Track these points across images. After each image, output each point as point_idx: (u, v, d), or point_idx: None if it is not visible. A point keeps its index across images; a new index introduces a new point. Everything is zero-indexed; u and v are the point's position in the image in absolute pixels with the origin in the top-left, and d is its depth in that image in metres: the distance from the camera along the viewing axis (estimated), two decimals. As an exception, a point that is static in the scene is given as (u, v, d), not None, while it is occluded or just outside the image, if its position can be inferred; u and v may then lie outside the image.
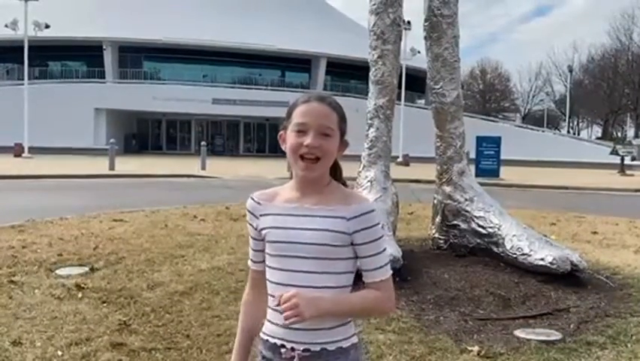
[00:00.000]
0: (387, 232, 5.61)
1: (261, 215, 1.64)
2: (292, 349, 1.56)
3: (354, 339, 1.64)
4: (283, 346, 1.57)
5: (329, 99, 1.64)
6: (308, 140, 1.54)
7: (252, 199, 1.68)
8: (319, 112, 1.58)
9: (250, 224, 1.69)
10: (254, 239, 1.70)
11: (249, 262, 1.75)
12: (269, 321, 1.64)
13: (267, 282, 1.63)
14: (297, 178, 1.62)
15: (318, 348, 1.56)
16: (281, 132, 1.64)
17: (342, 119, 1.63)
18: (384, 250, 1.62)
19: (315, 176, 1.58)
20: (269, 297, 1.63)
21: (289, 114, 1.62)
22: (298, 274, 1.56)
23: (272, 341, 1.60)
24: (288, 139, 1.59)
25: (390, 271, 1.64)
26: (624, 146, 32.86)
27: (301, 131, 1.56)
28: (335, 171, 1.67)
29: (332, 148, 1.58)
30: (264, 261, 1.68)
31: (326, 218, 1.57)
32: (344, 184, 1.69)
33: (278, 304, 1.50)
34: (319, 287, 1.55)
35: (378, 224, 1.60)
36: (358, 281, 1.64)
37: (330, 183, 1.64)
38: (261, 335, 1.65)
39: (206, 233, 7.71)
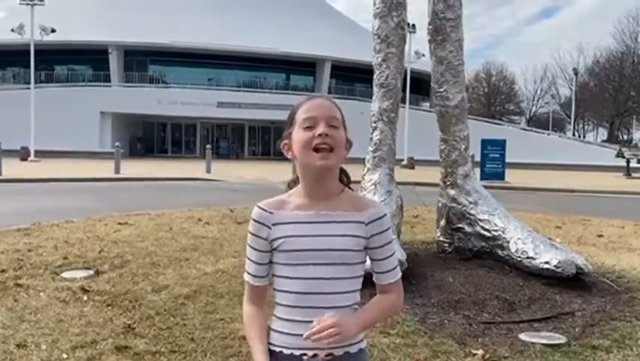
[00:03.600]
0: (392, 234, 5.60)
1: (273, 224, 1.59)
2: (314, 356, 1.54)
3: (364, 343, 1.66)
4: (304, 354, 1.54)
5: (328, 97, 1.66)
6: (319, 129, 1.53)
7: (262, 209, 1.61)
8: (325, 105, 1.59)
9: (258, 236, 1.61)
10: (261, 252, 1.62)
11: (249, 278, 1.66)
12: (279, 332, 1.59)
13: (280, 292, 1.60)
14: (310, 180, 1.59)
15: (341, 352, 1.55)
16: (285, 142, 1.62)
17: (343, 117, 1.64)
18: (395, 252, 1.66)
19: (331, 165, 1.55)
20: (280, 307, 1.60)
21: (292, 119, 1.60)
22: (320, 282, 1.55)
23: (287, 351, 1.56)
24: (297, 138, 1.57)
25: (400, 273, 1.68)
26: (630, 148, 32.76)
27: (309, 126, 1.55)
28: (343, 177, 1.66)
29: (342, 138, 1.57)
30: (268, 275, 1.65)
31: (346, 223, 1.57)
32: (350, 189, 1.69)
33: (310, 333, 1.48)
34: (340, 293, 1.56)
35: (390, 227, 1.64)
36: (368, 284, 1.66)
37: (343, 192, 1.63)
38: (271, 347, 1.59)
39: (211, 236, 7.73)
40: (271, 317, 1.64)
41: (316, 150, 1.53)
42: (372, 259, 1.63)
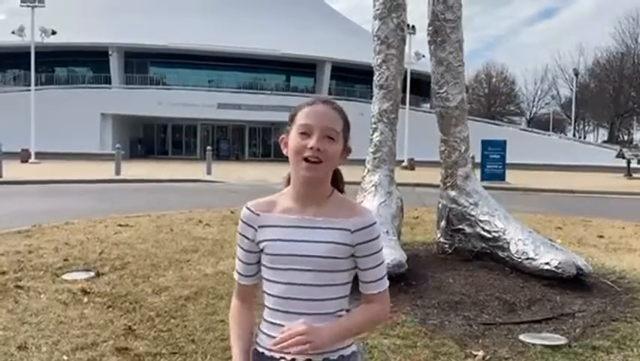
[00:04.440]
0: (392, 236, 5.60)
1: (259, 227, 1.59)
2: (293, 360, 1.52)
3: (354, 347, 1.62)
4: (283, 358, 1.53)
5: (334, 103, 1.60)
6: (312, 142, 1.50)
7: (249, 210, 1.61)
8: (324, 114, 1.55)
9: (244, 235, 1.61)
10: (247, 252, 1.62)
11: (237, 276, 1.66)
12: (264, 334, 1.59)
13: (265, 294, 1.60)
14: (297, 184, 1.57)
15: (319, 358, 1.53)
16: (282, 136, 1.60)
17: (347, 125, 1.60)
18: (383, 262, 1.62)
19: (317, 176, 1.53)
20: (265, 309, 1.60)
21: (292, 118, 1.58)
22: (299, 287, 1.54)
23: (268, 354, 1.56)
24: (291, 141, 1.55)
25: (388, 283, 1.64)
26: (630, 149, 32.73)
27: (305, 133, 1.52)
28: (337, 181, 1.63)
29: (335, 152, 1.54)
30: (255, 275, 1.64)
31: (330, 230, 1.54)
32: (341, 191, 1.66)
33: (279, 342, 1.47)
34: (320, 300, 1.55)
35: (379, 236, 1.59)
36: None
37: (332, 195, 1.60)
38: (256, 347, 1.60)
39: (212, 238, 7.73)
40: (261, 318, 1.64)
41: (305, 159, 1.52)
42: (358, 268, 1.59)
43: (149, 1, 47.00)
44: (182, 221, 9.22)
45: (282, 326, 1.53)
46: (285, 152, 1.60)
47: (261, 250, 1.59)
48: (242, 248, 1.63)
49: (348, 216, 1.56)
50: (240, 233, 1.63)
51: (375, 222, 1.59)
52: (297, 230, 1.56)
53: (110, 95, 39.37)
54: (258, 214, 1.60)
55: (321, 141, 1.51)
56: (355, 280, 1.62)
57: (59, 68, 44.83)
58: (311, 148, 1.50)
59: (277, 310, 1.57)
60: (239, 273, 1.66)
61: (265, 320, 1.61)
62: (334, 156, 1.55)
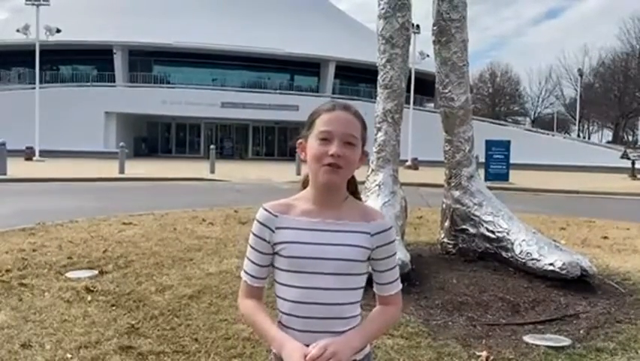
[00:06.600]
0: (396, 236, 5.59)
1: (277, 228, 1.57)
2: None
3: (368, 348, 1.64)
4: None
5: (353, 108, 1.61)
6: (333, 148, 1.51)
7: (267, 211, 1.59)
8: (344, 120, 1.55)
9: (260, 237, 1.58)
10: (262, 253, 1.59)
11: (248, 278, 1.62)
12: None
13: (279, 299, 1.58)
14: (317, 189, 1.58)
15: None
16: (301, 141, 1.60)
17: (364, 128, 1.61)
18: (397, 265, 1.67)
19: (337, 181, 1.54)
20: (280, 314, 1.58)
21: (311, 123, 1.58)
22: (318, 292, 1.53)
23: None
24: (310, 148, 1.55)
25: (401, 285, 1.69)
26: (635, 150, 32.58)
27: (325, 139, 1.52)
28: (350, 186, 1.64)
29: (355, 158, 1.56)
30: (266, 277, 1.62)
31: (352, 233, 1.56)
32: (359, 199, 1.68)
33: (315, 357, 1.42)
34: (339, 304, 1.55)
35: (395, 240, 1.64)
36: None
37: (348, 199, 1.62)
38: (275, 352, 1.56)
39: (215, 236, 7.73)
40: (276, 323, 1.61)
41: (325, 165, 1.52)
42: (374, 270, 1.63)
43: (153, 0, 47.04)
44: (186, 220, 9.24)
45: (298, 331, 1.52)
46: (302, 156, 1.60)
47: (275, 253, 1.58)
48: (256, 250, 1.60)
49: (366, 219, 1.59)
50: (254, 234, 1.60)
51: (392, 226, 1.63)
52: (318, 233, 1.55)
53: (114, 93, 39.42)
54: (275, 215, 1.58)
55: (341, 147, 1.52)
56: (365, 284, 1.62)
57: (64, 66, 44.91)
58: (332, 155, 1.51)
59: (292, 315, 1.55)
60: (250, 275, 1.62)
61: (281, 325, 1.57)
62: (354, 162, 1.56)
